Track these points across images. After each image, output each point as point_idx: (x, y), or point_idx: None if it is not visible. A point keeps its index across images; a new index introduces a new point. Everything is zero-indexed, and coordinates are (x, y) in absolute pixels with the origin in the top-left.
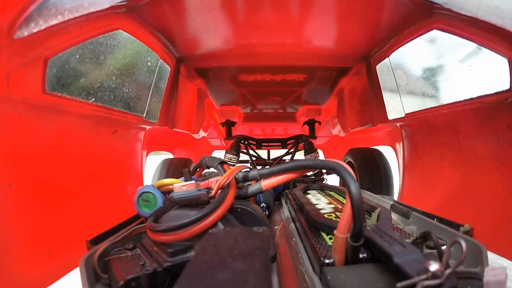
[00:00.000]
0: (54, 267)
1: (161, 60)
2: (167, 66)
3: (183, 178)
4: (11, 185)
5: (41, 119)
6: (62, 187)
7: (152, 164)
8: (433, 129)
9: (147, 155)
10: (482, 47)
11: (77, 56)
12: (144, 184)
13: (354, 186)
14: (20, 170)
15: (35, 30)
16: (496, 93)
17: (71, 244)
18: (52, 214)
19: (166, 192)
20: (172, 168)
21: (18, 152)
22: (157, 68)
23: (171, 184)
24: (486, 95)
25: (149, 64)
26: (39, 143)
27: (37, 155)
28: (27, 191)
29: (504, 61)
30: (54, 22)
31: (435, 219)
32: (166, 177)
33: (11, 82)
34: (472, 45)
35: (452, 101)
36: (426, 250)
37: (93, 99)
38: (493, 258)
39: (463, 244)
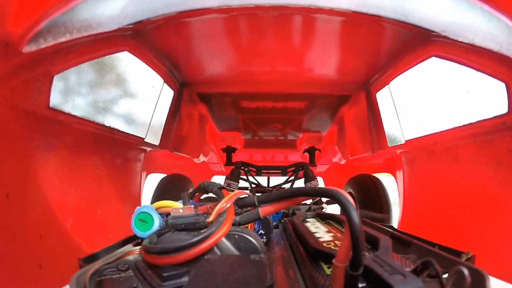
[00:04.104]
0: (46, 283)
1: (164, 83)
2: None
3: (181, 201)
4: (8, 197)
5: (43, 133)
6: (59, 202)
7: (151, 179)
8: (433, 155)
9: (146, 176)
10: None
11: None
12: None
13: (353, 214)
14: (18, 181)
15: (43, 46)
16: (495, 117)
17: (64, 261)
18: (48, 228)
19: (163, 214)
20: (171, 186)
21: (18, 164)
22: (160, 91)
23: (169, 207)
24: (484, 120)
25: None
26: (39, 156)
27: (36, 168)
28: (24, 203)
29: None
30: (62, 39)
31: (436, 247)
32: (164, 194)
33: (15, 94)
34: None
35: (451, 127)
36: (428, 279)
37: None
38: (495, 283)
39: (466, 272)
